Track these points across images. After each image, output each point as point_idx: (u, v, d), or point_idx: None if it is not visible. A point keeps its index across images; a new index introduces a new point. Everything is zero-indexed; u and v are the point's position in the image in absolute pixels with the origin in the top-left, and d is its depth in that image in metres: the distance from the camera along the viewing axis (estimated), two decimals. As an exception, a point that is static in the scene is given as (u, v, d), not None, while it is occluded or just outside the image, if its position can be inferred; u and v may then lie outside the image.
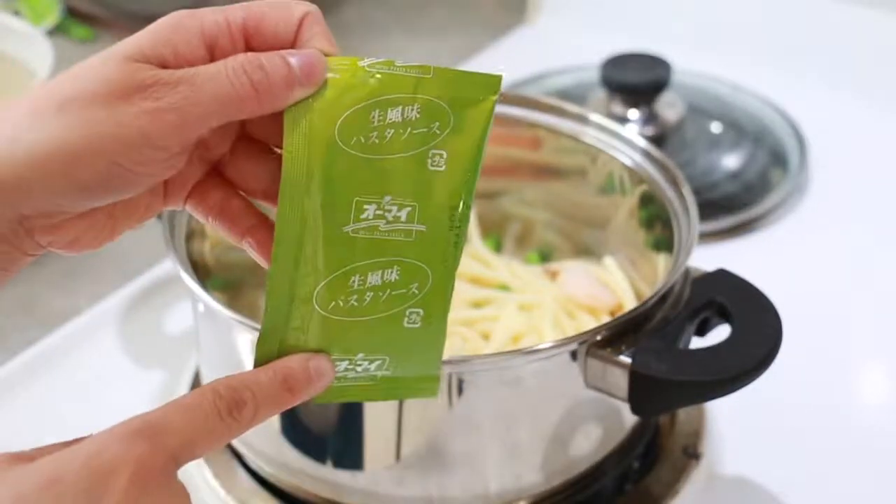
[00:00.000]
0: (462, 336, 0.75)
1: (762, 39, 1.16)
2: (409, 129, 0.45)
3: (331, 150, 0.44)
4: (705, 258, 0.70)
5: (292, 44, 0.45)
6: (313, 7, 0.45)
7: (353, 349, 0.46)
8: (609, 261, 0.79)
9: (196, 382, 0.76)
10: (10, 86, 1.00)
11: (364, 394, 0.48)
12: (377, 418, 0.64)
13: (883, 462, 0.77)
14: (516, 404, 0.65)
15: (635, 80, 0.99)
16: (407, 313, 0.47)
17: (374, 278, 0.46)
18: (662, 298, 0.65)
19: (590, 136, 0.78)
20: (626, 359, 0.62)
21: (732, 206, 0.96)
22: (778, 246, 0.95)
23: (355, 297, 0.45)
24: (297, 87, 0.43)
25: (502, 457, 0.66)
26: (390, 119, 0.45)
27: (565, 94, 1.04)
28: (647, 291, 0.73)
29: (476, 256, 0.82)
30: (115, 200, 0.43)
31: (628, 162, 0.76)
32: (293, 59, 0.43)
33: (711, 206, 0.95)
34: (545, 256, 0.83)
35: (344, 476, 0.67)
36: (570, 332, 0.74)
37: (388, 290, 0.46)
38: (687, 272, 0.67)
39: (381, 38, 1.23)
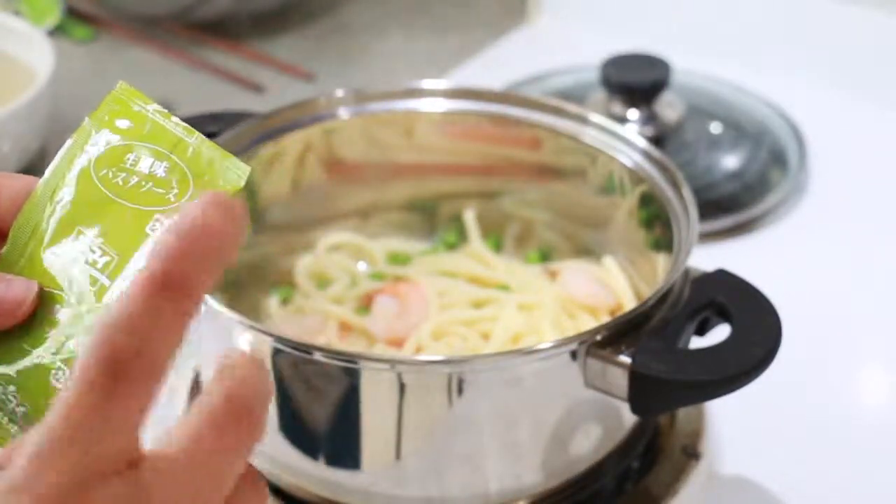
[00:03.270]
0: (462, 336, 0.75)
1: (762, 39, 1.16)
2: (149, 184, 0.45)
3: (85, 171, 0.45)
4: (705, 258, 0.70)
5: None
6: None
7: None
8: (609, 261, 0.79)
9: (196, 383, 0.76)
10: (11, 86, 1.00)
11: None
12: (377, 418, 0.64)
13: (883, 462, 0.77)
14: (516, 404, 0.65)
15: (635, 80, 0.99)
16: (56, 367, 0.44)
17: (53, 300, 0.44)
18: (662, 298, 0.65)
19: (590, 136, 0.78)
20: (626, 359, 0.62)
21: (732, 206, 0.96)
22: (777, 246, 0.95)
23: None
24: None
25: (502, 456, 0.66)
26: (140, 168, 0.45)
27: (565, 94, 1.04)
28: (647, 291, 0.73)
29: (476, 256, 0.82)
30: None
31: (628, 162, 0.76)
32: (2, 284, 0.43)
33: (711, 206, 0.95)
34: (545, 256, 0.83)
35: (343, 475, 0.67)
36: (570, 332, 0.74)
37: (51, 330, 0.44)
38: (687, 272, 0.67)
39: (380, 38, 1.23)
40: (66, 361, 0.43)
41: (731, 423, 0.77)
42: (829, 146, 1.04)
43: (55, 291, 0.44)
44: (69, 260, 0.44)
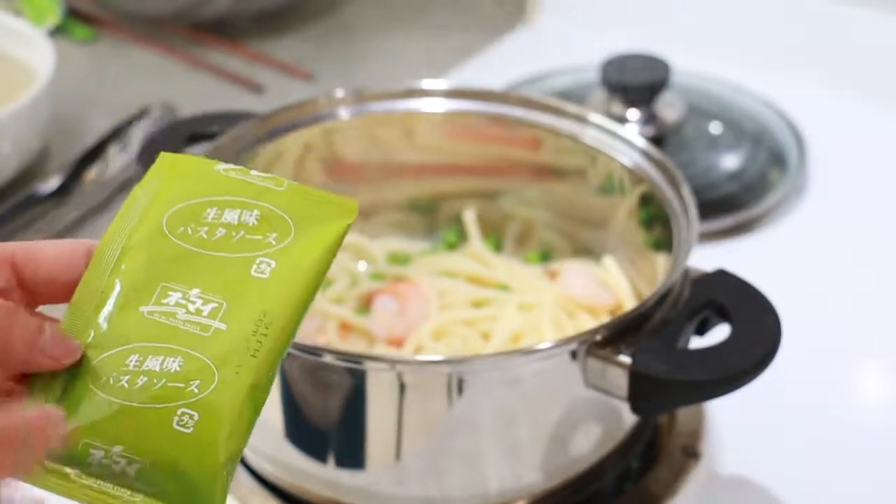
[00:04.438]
0: (462, 336, 0.75)
1: (762, 39, 1.16)
2: (241, 233, 0.45)
3: (155, 232, 0.44)
4: (705, 258, 0.70)
5: (76, 282, 0.44)
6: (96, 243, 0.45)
7: (113, 439, 0.42)
8: (609, 261, 0.79)
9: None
10: (11, 86, 1.00)
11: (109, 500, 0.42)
12: (378, 418, 0.64)
13: (883, 462, 0.77)
14: (516, 404, 0.65)
15: (635, 81, 0.99)
16: (178, 413, 0.42)
17: (152, 363, 0.42)
18: (662, 298, 0.65)
19: (589, 136, 0.78)
20: (625, 358, 0.62)
21: (732, 206, 0.96)
22: (777, 246, 0.95)
23: (127, 377, 0.42)
24: (40, 356, 0.42)
25: (502, 456, 0.66)
26: (225, 219, 0.45)
27: (565, 94, 1.04)
28: (647, 291, 0.73)
29: (476, 256, 0.82)
30: None
31: (628, 162, 0.76)
32: (49, 328, 0.42)
33: (711, 206, 0.95)
34: (545, 256, 0.83)
35: (344, 475, 0.67)
36: (570, 332, 0.75)
37: (164, 380, 0.42)
38: (686, 272, 0.67)
39: (380, 38, 1.23)
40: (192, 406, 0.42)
41: (731, 423, 0.77)
42: (829, 146, 1.04)
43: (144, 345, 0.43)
44: (161, 314, 0.43)
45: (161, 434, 0.41)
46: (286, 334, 0.43)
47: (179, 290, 0.44)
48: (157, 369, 0.42)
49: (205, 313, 0.43)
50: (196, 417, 0.42)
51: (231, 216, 0.45)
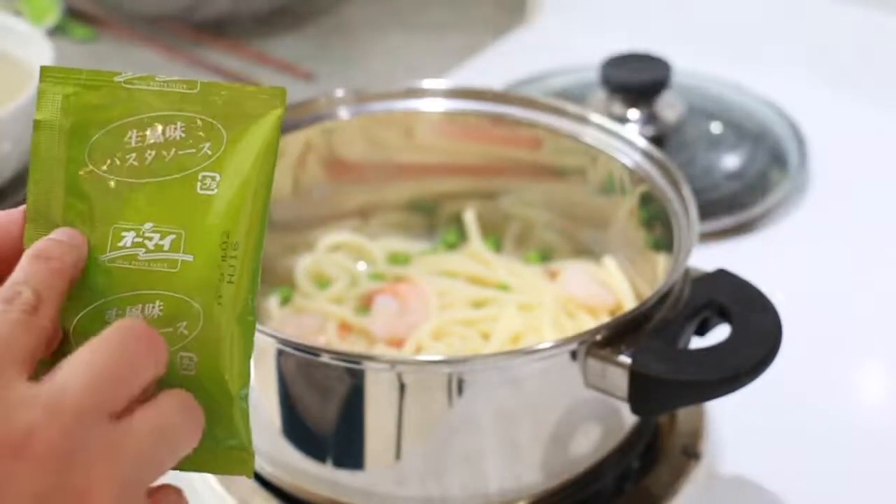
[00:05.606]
0: (462, 336, 0.75)
1: (762, 39, 1.16)
2: (172, 150, 0.42)
3: (81, 172, 0.41)
4: (705, 258, 0.70)
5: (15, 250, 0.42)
6: None
7: None
8: (609, 261, 0.79)
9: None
10: (11, 86, 1.00)
11: None
12: (378, 418, 0.64)
13: (883, 462, 0.77)
14: (516, 404, 0.65)
15: (635, 80, 0.99)
16: (179, 358, 0.41)
17: (132, 312, 0.41)
18: (662, 298, 0.65)
19: (590, 136, 0.78)
20: (625, 359, 0.62)
21: (732, 206, 0.96)
22: (777, 246, 0.95)
23: None
24: None
25: (502, 456, 0.66)
26: (150, 140, 0.42)
27: (565, 94, 1.04)
28: (647, 291, 0.73)
29: (476, 256, 0.82)
30: None
31: (628, 162, 0.76)
32: None
33: (711, 206, 0.95)
34: (545, 256, 0.83)
35: (344, 475, 0.67)
36: (570, 332, 0.74)
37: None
38: (687, 272, 0.67)
39: (380, 37, 1.23)
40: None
41: (731, 423, 0.77)
42: (829, 146, 1.04)
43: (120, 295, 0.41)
44: (122, 258, 0.41)
45: (167, 384, 0.40)
46: (256, 250, 0.42)
47: (132, 229, 0.41)
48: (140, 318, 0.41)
49: (166, 248, 0.41)
50: (195, 359, 0.41)
51: (155, 134, 0.42)
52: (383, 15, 1.27)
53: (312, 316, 0.77)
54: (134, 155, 0.42)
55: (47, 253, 0.41)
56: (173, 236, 0.41)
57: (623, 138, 0.77)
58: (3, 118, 0.93)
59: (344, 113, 0.80)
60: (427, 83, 0.82)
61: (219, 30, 1.21)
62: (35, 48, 1.01)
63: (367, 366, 0.63)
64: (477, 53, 1.18)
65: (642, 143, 0.76)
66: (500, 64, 1.15)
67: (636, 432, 0.71)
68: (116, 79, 0.42)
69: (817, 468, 0.76)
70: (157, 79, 0.42)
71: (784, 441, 0.78)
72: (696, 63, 1.09)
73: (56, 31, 1.19)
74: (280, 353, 0.64)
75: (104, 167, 0.42)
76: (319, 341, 0.75)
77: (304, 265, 0.81)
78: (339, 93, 0.80)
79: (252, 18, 1.23)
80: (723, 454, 0.76)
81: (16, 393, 0.38)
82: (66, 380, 0.38)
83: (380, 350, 0.75)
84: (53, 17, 1.20)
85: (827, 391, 0.82)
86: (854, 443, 0.78)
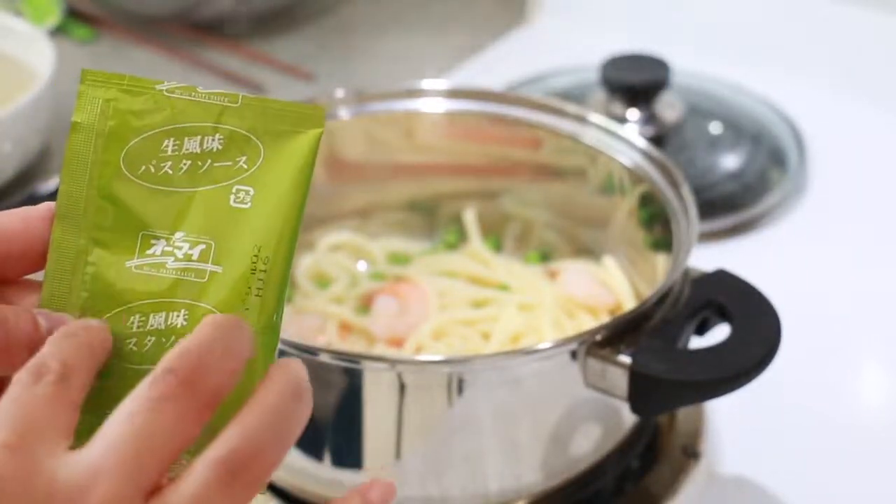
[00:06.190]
0: (462, 336, 0.75)
1: (762, 39, 1.16)
2: (208, 162, 0.41)
3: (116, 177, 0.41)
4: (705, 258, 0.70)
5: (38, 250, 0.41)
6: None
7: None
8: (609, 261, 0.79)
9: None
10: (12, 86, 1.00)
11: None
12: (377, 418, 0.64)
13: (883, 462, 0.77)
14: (516, 404, 0.65)
15: (635, 81, 0.99)
16: None
17: (156, 320, 0.41)
18: (662, 298, 0.65)
19: (589, 136, 0.78)
20: (625, 359, 0.62)
21: (732, 206, 0.96)
22: (777, 246, 0.95)
23: (134, 340, 0.41)
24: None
25: (502, 456, 0.66)
26: (187, 149, 0.41)
27: (565, 94, 1.04)
28: (647, 291, 0.73)
29: (476, 256, 0.82)
30: None
31: (628, 162, 0.76)
32: (42, 319, 0.40)
33: (711, 206, 0.95)
34: (545, 256, 0.83)
35: (344, 475, 0.67)
36: (570, 332, 0.75)
37: (174, 337, 0.40)
38: (686, 272, 0.67)
39: (380, 37, 1.23)
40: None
41: (731, 423, 0.77)
42: (829, 146, 1.04)
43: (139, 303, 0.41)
44: (150, 266, 0.41)
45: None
46: (286, 265, 0.41)
47: (162, 237, 0.41)
48: (163, 327, 0.41)
49: (195, 257, 0.41)
50: None
51: (192, 145, 0.41)
52: (383, 15, 1.27)
53: (313, 316, 0.77)
54: (169, 163, 0.42)
55: (73, 331, 0.39)
56: (203, 246, 0.41)
57: (623, 138, 0.77)
58: (3, 119, 0.93)
59: (344, 113, 0.80)
60: (427, 83, 0.82)
61: (219, 30, 1.21)
62: (36, 49, 1.01)
63: (367, 366, 0.63)
64: (477, 53, 1.18)
65: (642, 143, 0.76)
66: (500, 64, 1.15)
67: (636, 432, 0.71)
68: (158, 87, 0.42)
69: (817, 468, 0.76)
70: (199, 90, 0.42)
71: (784, 441, 0.78)
72: (695, 63, 1.09)
73: (57, 32, 1.19)
74: (280, 353, 0.63)
75: (139, 173, 0.42)
76: (319, 341, 0.75)
77: (304, 265, 0.81)
78: (340, 93, 0.80)
79: (252, 18, 1.23)
80: (723, 454, 0.76)
81: (41, 479, 0.35)
82: (99, 463, 0.36)
83: (380, 350, 0.75)
84: (54, 17, 1.20)
85: (826, 391, 0.82)
86: (854, 442, 0.78)
